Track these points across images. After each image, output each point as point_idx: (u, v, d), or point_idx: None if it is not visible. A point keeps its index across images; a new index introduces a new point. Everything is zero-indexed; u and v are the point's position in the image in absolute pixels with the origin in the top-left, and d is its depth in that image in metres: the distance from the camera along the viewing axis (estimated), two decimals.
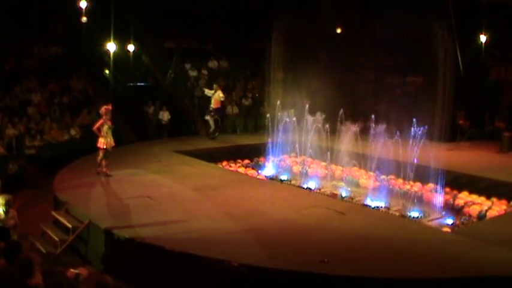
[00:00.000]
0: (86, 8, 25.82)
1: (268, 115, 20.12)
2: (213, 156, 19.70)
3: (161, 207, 12.81)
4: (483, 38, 27.53)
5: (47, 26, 26.52)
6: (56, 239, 12.26)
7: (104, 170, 15.75)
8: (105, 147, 15.52)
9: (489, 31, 27.26)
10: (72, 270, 7.01)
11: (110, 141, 15.59)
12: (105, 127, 15.50)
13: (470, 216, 14.94)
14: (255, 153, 20.40)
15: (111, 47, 24.60)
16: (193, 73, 28.48)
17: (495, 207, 15.12)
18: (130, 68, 27.51)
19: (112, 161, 15.99)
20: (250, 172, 18.63)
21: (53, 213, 13.32)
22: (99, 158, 15.76)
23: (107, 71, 26.52)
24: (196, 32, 30.04)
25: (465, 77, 26.19)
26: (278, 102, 20.15)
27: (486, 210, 14.86)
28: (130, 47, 27.04)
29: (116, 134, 16.25)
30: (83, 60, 26.49)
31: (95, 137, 15.54)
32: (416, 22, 22.93)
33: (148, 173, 16.33)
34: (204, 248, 10.25)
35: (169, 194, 14.04)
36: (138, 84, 28.11)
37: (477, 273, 9.70)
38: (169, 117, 24.78)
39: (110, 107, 15.80)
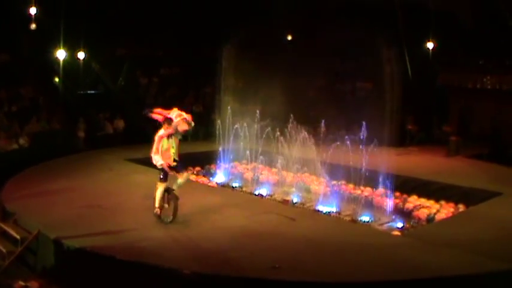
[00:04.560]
0: (35, 14, 25.38)
1: (219, 122, 20.08)
2: None
3: (112, 216, 12.66)
4: (430, 45, 28.09)
5: None
6: (4, 250, 11.96)
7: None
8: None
9: (436, 38, 27.85)
10: (21, 282, 6.91)
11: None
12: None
13: (419, 219, 15.18)
14: (206, 161, 20.29)
15: (61, 54, 24.22)
16: (144, 80, 28.25)
17: (443, 210, 15.41)
18: (81, 76, 27.13)
19: (62, 170, 15.74)
20: (202, 179, 18.58)
21: (1, 224, 13.02)
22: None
23: (56, 79, 26.09)
24: (148, 39, 29.82)
25: (413, 82, 26.66)
26: (229, 109, 20.13)
27: (434, 213, 15.13)
28: (81, 55, 26.67)
29: (66, 142, 15.91)
30: (32, 67, 26.02)
31: (45, 146, 15.21)
32: (366, 30, 23.24)
33: (99, 181, 16.12)
34: (155, 257, 10.18)
35: (121, 202, 13.89)
36: (89, 92, 27.73)
37: (427, 275, 9.87)
38: (123, 125, 24.51)
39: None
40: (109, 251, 10.38)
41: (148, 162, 18.73)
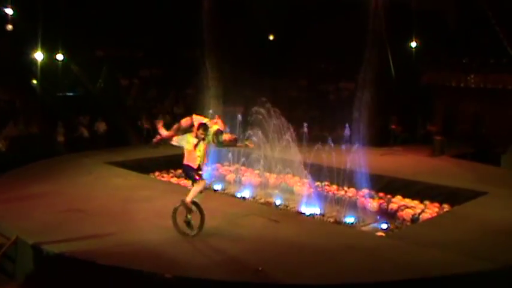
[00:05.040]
0: (11, 15, 25.16)
1: None
2: (145, 167, 19.54)
3: (92, 221, 12.59)
4: (414, 44, 28.21)
5: None
6: None
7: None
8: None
9: (419, 37, 27.97)
10: None
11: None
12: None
13: (403, 220, 15.26)
14: None
15: (39, 56, 24.06)
16: (124, 82, 28.16)
17: (428, 210, 15.50)
18: (59, 78, 26.96)
19: (40, 175, 15.62)
20: (183, 182, 18.47)
21: None
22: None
23: (34, 81, 25.91)
24: (127, 40, 29.72)
25: (397, 82, 26.78)
26: (210, 110, 20.09)
27: (419, 214, 15.20)
28: (59, 56, 26.50)
29: (45, 147, 15.79)
30: (8, 69, 25.80)
31: (23, 151, 15.10)
32: (349, 29, 23.34)
33: (79, 185, 16.02)
34: (136, 261, 10.13)
35: (100, 206, 13.81)
36: (68, 94, 27.58)
37: (412, 276, 9.94)
38: (105, 128, 24.39)
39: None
40: (89, 256, 10.32)
41: (128, 166, 18.84)
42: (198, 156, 11.49)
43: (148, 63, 29.74)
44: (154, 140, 12.49)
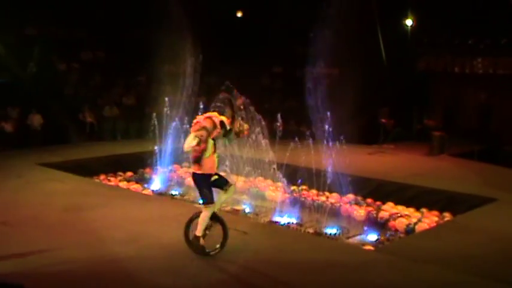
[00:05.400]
0: None
1: (154, 116, 19.97)
2: (88, 169, 19.40)
3: (20, 235, 12.39)
4: (409, 22, 28.31)
5: None
6: None
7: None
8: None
9: (416, 14, 28.10)
10: None
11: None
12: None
13: (396, 230, 15.37)
14: (139, 164, 20.25)
15: None
16: (61, 66, 27.95)
17: (425, 220, 15.61)
18: None
19: None
20: (134, 187, 18.47)
21: None
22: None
23: None
24: (66, 16, 29.45)
25: (389, 67, 26.93)
26: (167, 100, 20.05)
27: (415, 224, 15.30)
28: None
29: None
30: None
31: None
32: (331, 5, 23.36)
33: (5, 191, 15.84)
34: (76, 283, 10.01)
35: (32, 217, 13.61)
36: None
37: None
38: (41, 121, 24.18)
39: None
40: (16, 278, 10.15)
41: (66, 167, 18.67)
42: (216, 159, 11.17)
43: (91, 45, 29.50)
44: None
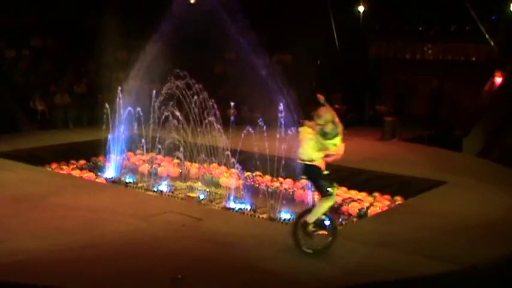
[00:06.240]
0: None
1: (107, 104, 19.83)
2: (39, 158, 19.24)
3: None
4: (361, 9, 28.42)
5: None
6: None
7: None
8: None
9: (367, 0, 28.24)
10: None
11: None
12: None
13: (349, 215, 15.52)
14: (92, 152, 20.11)
15: None
16: (10, 54, 27.55)
17: (377, 204, 15.82)
18: None
19: None
20: (87, 175, 18.35)
21: None
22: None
23: None
24: (14, 3, 28.99)
25: (341, 54, 27.04)
26: (119, 88, 19.92)
27: (367, 208, 15.49)
28: None
29: None
30: None
31: None
32: None
33: None
34: (28, 273, 9.89)
35: None
36: None
37: (360, 281, 10.01)
38: None
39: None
40: None
41: (16, 156, 18.45)
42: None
43: (41, 31, 29.08)
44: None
